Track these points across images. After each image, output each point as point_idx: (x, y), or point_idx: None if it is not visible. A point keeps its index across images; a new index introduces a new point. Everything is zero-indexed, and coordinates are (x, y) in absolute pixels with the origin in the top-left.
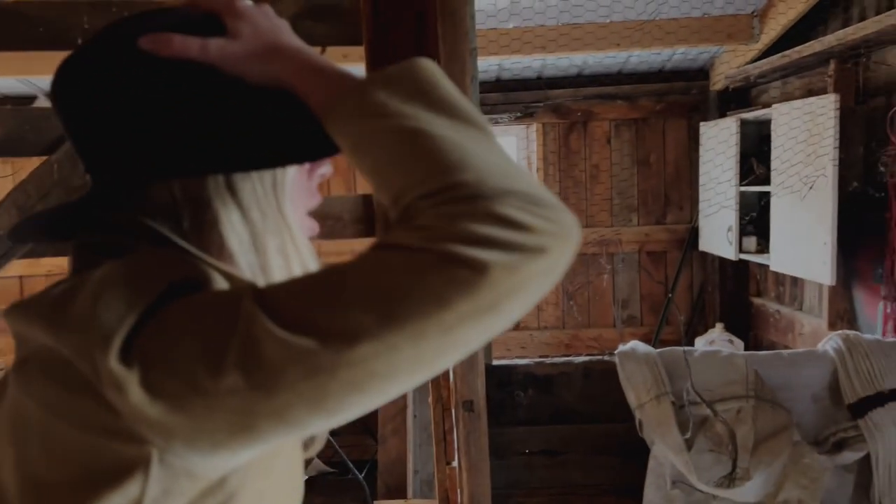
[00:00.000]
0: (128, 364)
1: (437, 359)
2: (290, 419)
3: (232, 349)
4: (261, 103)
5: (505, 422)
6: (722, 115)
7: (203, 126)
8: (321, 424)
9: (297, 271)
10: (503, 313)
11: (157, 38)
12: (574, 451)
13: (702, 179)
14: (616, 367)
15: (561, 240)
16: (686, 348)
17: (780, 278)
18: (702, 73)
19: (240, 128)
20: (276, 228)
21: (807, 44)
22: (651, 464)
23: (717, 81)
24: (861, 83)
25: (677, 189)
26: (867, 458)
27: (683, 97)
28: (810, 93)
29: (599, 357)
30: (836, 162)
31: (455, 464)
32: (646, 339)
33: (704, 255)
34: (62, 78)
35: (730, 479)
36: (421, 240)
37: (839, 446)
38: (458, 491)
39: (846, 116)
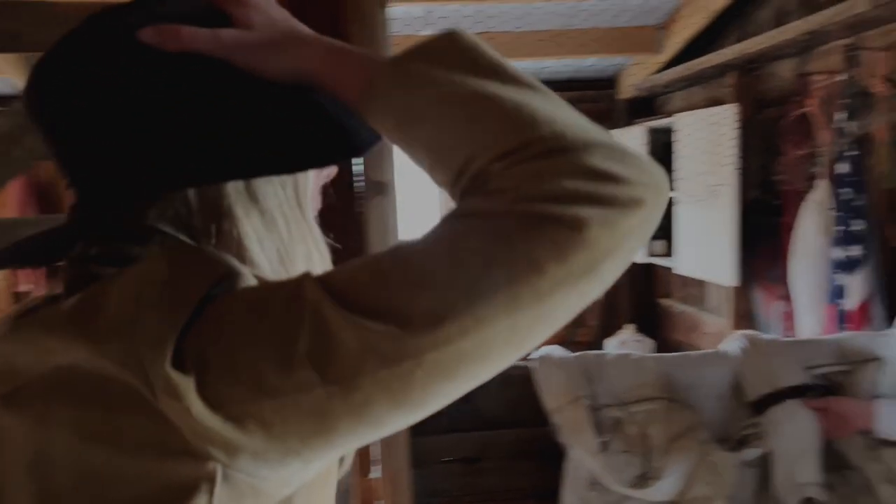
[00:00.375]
0: (183, 369)
1: (529, 333)
2: (371, 416)
3: (301, 341)
4: (282, 100)
5: (424, 430)
6: (630, 123)
7: (220, 128)
8: (401, 421)
9: None
10: (600, 275)
11: (163, 30)
12: (494, 458)
13: None
14: (533, 373)
15: (655, 190)
16: (599, 352)
17: (686, 280)
18: (611, 83)
19: (262, 128)
20: (301, 235)
21: (708, 55)
22: (568, 467)
23: (626, 91)
24: (758, 94)
25: None
26: (769, 453)
27: (594, 106)
28: (712, 102)
29: (516, 363)
30: (738, 169)
31: (374, 475)
32: (561, 343)
33: None
34: (45, 78)
35: (643, 479)
36: (503, 203)
37: (742, 443)
38: (378, 502)
39: (746, 126)
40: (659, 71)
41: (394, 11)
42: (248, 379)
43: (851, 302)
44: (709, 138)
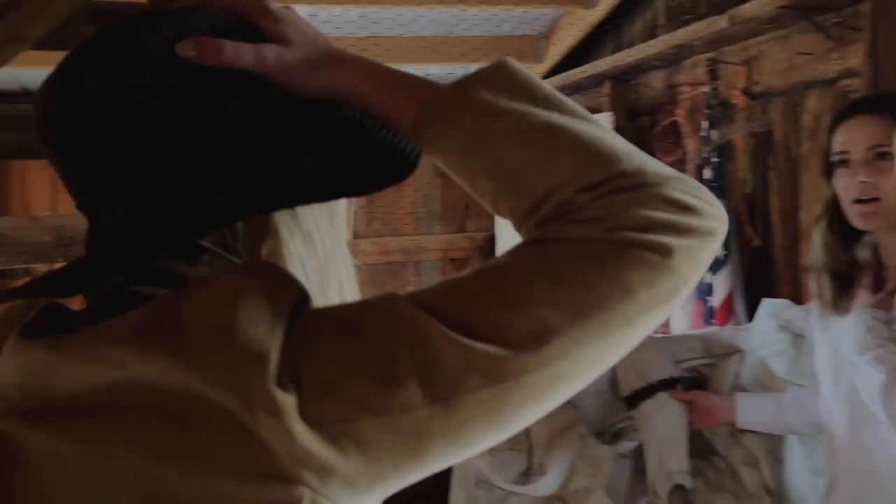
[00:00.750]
0: (284, 388)
1: (612, 356)
2: (464, 438)
3: (403, 359)
4: (326, 122)
5: None
6: None
7: (272, 156)
8: (487, 444)
9: (349, 299)
10: (675, 302)
11: (203, 43)
12: None
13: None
14: None
15: (723, 222)
16: None
17: None
18: None
19: (314, 154)
20: (336, 255)
21: (585, 66)
22: (456, 466)
23: None
24: (632, 103)
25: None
26: (641, 444)
27: None
28: (590, 111)
29: None
30: None
31: None
32: None
33: None
34: (71, 98)
35: (527, 476)
36: (595, 231)
37: (617, 436)
38: None
39: (620, 133)
40: (542, 79)
41: None
42: (349, 397)
43: (717, 299)
44: None
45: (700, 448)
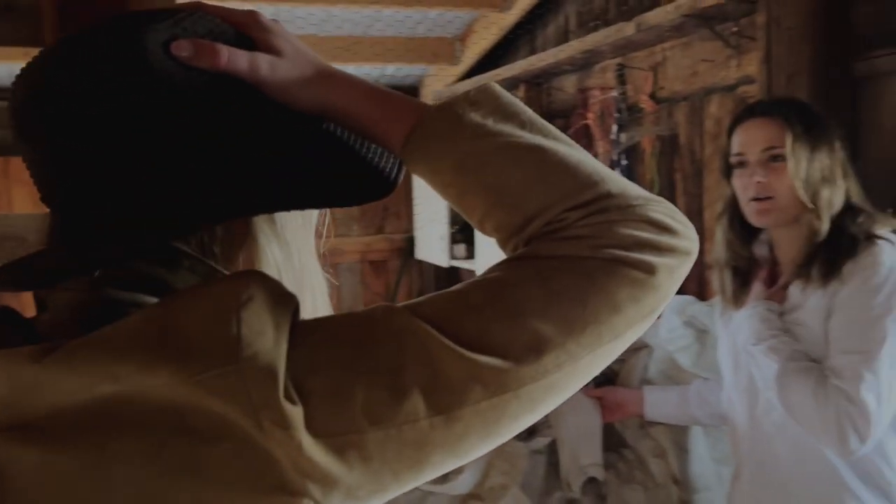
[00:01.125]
0: (291, 400)
1: (599, 366)
2: (462, 448)
3: (407, 370)
4: (312, 134)
5: None
6: None
7: (258, 161)
8: (478, 454)
9: (322, 311)
10: (655, 316)
11: (200, 45)
12: None
13: (415, 191)
14: None
15: (696, 243)
16: None
17: None
18: (413, 91)
19: (299, 162)
20: (309, 265)
21: (500, 69)
22: None
23: (427, 98)
24: (546, 106)
25: (395, 199)
26: (556, 440)
27: None
28: None
29: None
30: None
31: None
32: None
33: (421, 262)
34: (54, 92)
35: (443, 475)
36: (583, 248)
37: (532, 433)
38: None
39: None
40: (457, 81)
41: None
42: (356, 409)
43: None
44: None
45: (611, 441)
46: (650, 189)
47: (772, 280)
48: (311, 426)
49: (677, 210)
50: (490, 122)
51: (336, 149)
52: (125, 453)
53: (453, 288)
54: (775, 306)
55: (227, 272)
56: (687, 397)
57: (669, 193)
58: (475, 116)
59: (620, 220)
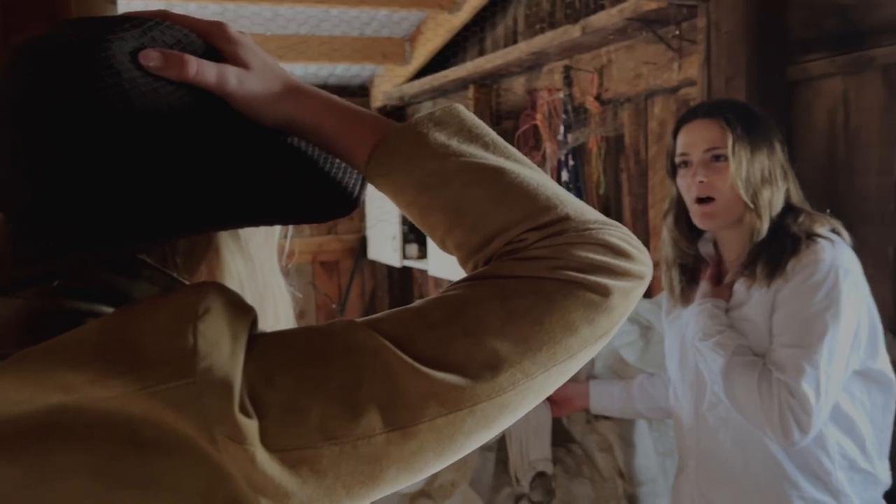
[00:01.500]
0: (246, 413)
1: (553, 385)
2: (417, 464)
3: (364, 386)
4: (277, 149)
5: None
6: None
7: (220, 173)
8: (432, 470)
9: (284, 325)
10: (607, 339)
11: (168, 55)
12: None
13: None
14: None
15: (650, 268)
16: None
17: (439, 281)
18: (363, 90)
19: (259, 178)
20: (273, 280)
21: (449, 70)
22: None
23: (377, 98)
24: (495, 107)
25: None
26: (504, 436)
27: None
28: None
29: None
30: None
31: None
32: None
33: (374, 262)
34: (13, 97)
35: None
36: (541, 269)
37: None
38: None
39: None
40: (406, 82)
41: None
42: (312, 424)
43: None
44: None
45: (559, 436)
46: (597, 188)
47: (718, 278)
48: (265, 440)
49: (632, 235)
50: (454, 143)
51: (300, 165)
52: (72, 466)
53: (413, 304)
54: (722, 303)
55: (187, 283)
56: (631, 392)
57: (615, 193)
58: (439, 136)
59: (578, 242)
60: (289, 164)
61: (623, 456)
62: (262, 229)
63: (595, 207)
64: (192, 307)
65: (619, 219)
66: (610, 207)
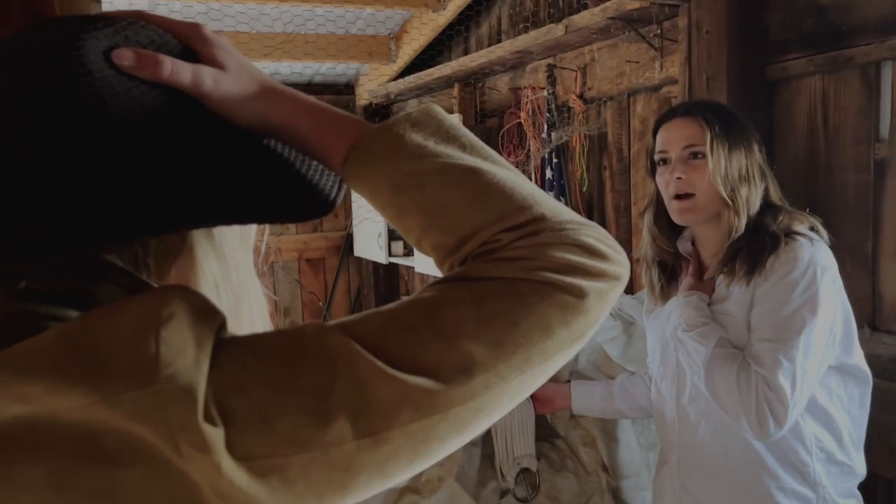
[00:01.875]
0: (212, 421)
1: (529, 388)
2: (389, 470)
3: (336, 392)
4: (252, 149)
5: None
6: None
7: (193, 173)
8: (405, 476)
9: (260, 328)
10: (583, 341)
11: (142, 55)
12: None
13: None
14: None
15: (626, 269)
16: None
17: (426, 277)
18: (349, 89)
19: (234, 177)
20: (248, 282)
21: (434, 67)
22: None
23: (363, 97)
24: (479, 105)
25: None
26: (490, 432)
27: None
28: None
29: None
30: None
31: None
32: None
33: (360, 259)
34: None
35: None
36: (517, 270)
37: None
38: None
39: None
40: (392, 80)
41: (110, 5)
42: (281, 432)
43: None
44: None
45: (543, 432)
46: (580, 185)
47: (699, 274)
48: (232, 448)
49: (609, 235)
50: (431, 143)
51: (276, 165)
52: (32, 479)
53: (387, 307)
54: (706, 297)
55: (157, 286)
56: (612, 392)
57: (598, 190)
58: (416, 137)
59: (553, 243)
60: (264, 164)
61: (606, 450)
62: (237, 230)
63: (578, 204)
64: (154, 313)
65: (602, 216)
66: (593, 204)
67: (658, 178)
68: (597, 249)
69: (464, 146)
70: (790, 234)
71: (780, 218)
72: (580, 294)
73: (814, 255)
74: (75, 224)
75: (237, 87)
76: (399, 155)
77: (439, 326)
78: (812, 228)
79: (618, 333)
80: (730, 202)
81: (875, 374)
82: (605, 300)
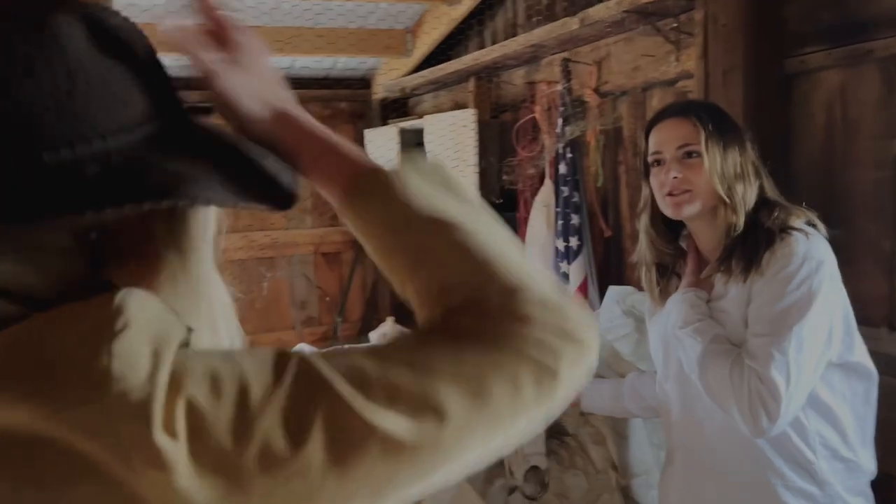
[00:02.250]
0: (173, 435)
1: (496, 444)
2: None
3: (311, 420)
4: (217, 139)
5: None
6: (384, 122)
7: (153, 151)
8: None
9: (221, 323)
10: (550, 412)
11: (188, 31)
12: None
13: None
14: None
15: (597, 344)
16: (349, 346)
17: None
18: (364, 83)
19: (197, 160)
20: (209, 277)
21: (449, 62)
22: None
23: (378, 91)
24: (494, 99)
25: None
26: None
27: (349, 104)
28: (457, 106)
29: None
30: (478, 169)
31: None
32: (325, 338)
33: None
34: None
35: None
36: (501, 333)
37: None
38: None
39: (483, 129)
40: (409, 73)
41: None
42: (250, 453)
43: (572, 286)
44: (453, 140)
45: (553, 429)
46: (595, 180)
47: (699, 269)
48: (194, 465)
49: (584, 311)
50: (429, 191)
51: (232, 154)
52: None
53: (370, 346)
54: (703, 294)
55: (105, 279)
56: (621, 391)
57: (613, 185)
58: (416, 181)
59: (540, 316)
60: (229, 154)
61: (616, 448)
62: (198, 222)
63: (593, 200)
64: (108, 323)
65: (617, 211)
66: (608, 200)
67: (652, 179)
68: (577, 338)
69: (463, 200)
70: (786, 229)
71: (776, 214)
72: (554, 363)
73: (809, 249)
74: (20, 197)
75: (251, 103)
76: (398, 196)
77: (417, 373)
78: (809, 223)
79: (630, 331)
80: (727, 200)
81: (894, 375)
82: (574, 374)
